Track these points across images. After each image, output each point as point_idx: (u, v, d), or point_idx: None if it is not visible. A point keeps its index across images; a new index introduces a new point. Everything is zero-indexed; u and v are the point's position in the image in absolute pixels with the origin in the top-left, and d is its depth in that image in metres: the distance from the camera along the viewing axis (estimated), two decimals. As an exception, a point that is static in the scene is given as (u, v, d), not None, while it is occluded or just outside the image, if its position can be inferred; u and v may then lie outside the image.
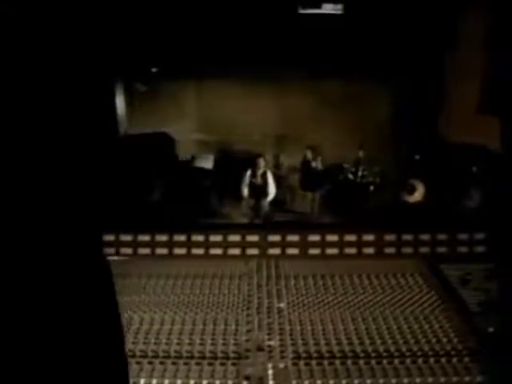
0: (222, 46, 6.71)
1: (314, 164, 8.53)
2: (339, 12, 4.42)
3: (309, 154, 8.53)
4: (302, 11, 4.56)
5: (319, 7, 4.40)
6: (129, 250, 3.24)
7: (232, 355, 2.36)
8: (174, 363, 2.32)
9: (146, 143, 3.62)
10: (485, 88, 3.94)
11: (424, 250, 3.26)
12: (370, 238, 3.22)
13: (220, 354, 2.36)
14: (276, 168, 9.20)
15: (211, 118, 9.22)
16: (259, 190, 8.09)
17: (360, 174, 8.40)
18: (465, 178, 3.44)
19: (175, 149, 3.31)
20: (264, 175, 8.03)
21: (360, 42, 5.04)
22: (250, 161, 8.18)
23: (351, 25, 4.63)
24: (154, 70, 7.22)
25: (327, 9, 4.35)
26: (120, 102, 7.11)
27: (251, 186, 8.07)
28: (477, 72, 3.97)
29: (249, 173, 8.00)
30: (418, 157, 3.42)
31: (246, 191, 8.20)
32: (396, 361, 2.33)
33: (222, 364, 2.30)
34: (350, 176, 8.65)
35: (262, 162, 7.93)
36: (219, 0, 5.93)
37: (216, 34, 6.39)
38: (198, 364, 2.31)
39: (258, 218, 7.65)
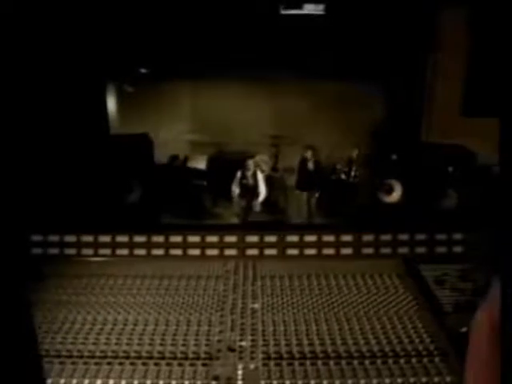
0: (211, 47, 6.71)
1: (310, 164, 8.55)
2: (320, 12, 4.42)
3: (309, 154, 8.51)
4: (283, 12, 4.56)
5: (301, 8, 4.41)
6: (107, 251, 3.24)
7: (203, 356, 2.35)
8: (144, 364, 2.32)
9: (125, 144, 3.63)
10: (469, 90, 3.94)
11: (402, 250, 3.26)
12: (348, 238, 3.22)
13: (191, 355, 2.36)
14: (273, 170, 9.21)
15: (204, 119, 9.24)
16: (250, 191, 8.10)
17: (353, 174, 8.41)
18: (443, 178, 3.45)
19: (154, 150, 3.31)
20: (254, 176, 8.05)
21: (342, 43, 5.05)
22: (242, 162, 8.21)
23: (333, 26, 4.64)
24: (142, 71, 7.22)
25: (309, 9, 4.35)
26: (111, 103, 7.11)
27: (242, 186, 8.09)
28: (458, 73, 3.98)
29: (239, 174, 8.02)
30: (395, 156, 3.43)
31: (236, 192, 8.22)
32: (367, 361, 2.33)
33: (192, 365, 2.30)
34: (343, 176, 8.66)
35: (251, 163, 7.95)
36: (208, 2, 5.94)
37: (205, 36, 6.39)
38: (168, 365, 2.31)
39: (247, 219, 7.66)
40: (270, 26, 5.15)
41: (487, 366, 1.04)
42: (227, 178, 8.09)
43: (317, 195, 8.62)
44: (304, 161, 8.40)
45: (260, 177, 8.10)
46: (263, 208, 8.06)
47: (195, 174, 8.75)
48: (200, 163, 8.88)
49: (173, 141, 8.41)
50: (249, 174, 7.96)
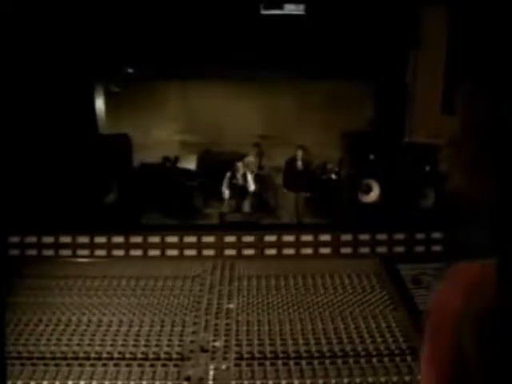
0: (199, 47, 6.70)
1: (299, 163, 8.54)
2: (301, 13, 4.43)
3: (298, 154, 8.50)
4: (263, 12, 4.57)
5: (281, 8, 4.42)
6: (85, 252, 3.23)
7: (175, 356, 2.35)
8: (116, 365, 2.31)
9: (104, 144, 3.62)
10: (448, 88, 3.96)
11: (381, 249, 3.26)
12: (326, 238, 3.22)
13: (163, 356, 2.35)
14: (259, 169, 9.20)
15: (192, 120, 9.23)
16: (239, 192, 8.11)
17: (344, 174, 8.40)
18: (421, 177, 3.46)
19: (132, 150, 3.31)
20: (244, 176, 8.06)
21: (325, 43, 5.06)
22: (230, 162, 8.21)
23: (314, 26, 4.65)
24: (129, 71, 7.21)
25: (289, 9, 4.36)
26: (100, 104, 7.08)
27: (231, 187, 8.09)
28: (440, 72, 3.99)
29: (228, 175, 8.03)
30: (372, 156, 3.45)
31: (226, 193, 8.22)
32: (339, 361, 2.33)
33: (164, 365, 2.30)
34: (334, 176, 8.65)
35: (240, 165, 7.96)
36: (195, 3, 5.93)
37: (192, 36, 6.38)
38: (140, 366, 2.30)
39: (237, 219, 7.64)
40: (255, 26, 5.15)
41: (429, 364, 1.04)
42: (215, 179, 8.09)
43: (307, 195, 8.61)
44: (292, 160, 8.40)
45: (250, 177, 8.11)
46: (252, 208, 8.06)
47: (184, 174, 8.74)
48: (189, 164, 8.88)
49: (159, 141, 8.41)
50: (238, 174, 7.97)
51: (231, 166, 8.09)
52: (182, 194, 8.36)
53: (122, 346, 2.42)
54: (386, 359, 2.34)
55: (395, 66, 5.07)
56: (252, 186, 8.05)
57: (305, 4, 4.37)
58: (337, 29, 4.77)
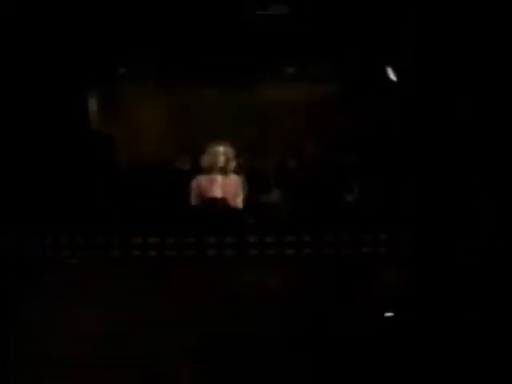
0: (191, 50, 6.70)
1: (290, 165, 8.51)
2: (285, 12, 4.43)
3: (287, 154, 8.48)
4: (247, 12, 4.56)
5: (266, 9, 4.41)
6: (67, 253, 3.21)
7: (144, 358, 2.33)
8: (90, 367, 2.29)
9: (88, 144, 3.61)
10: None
11: (365, 250, 3.23)
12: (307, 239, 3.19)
13: (130, 357, 2.34)
14: (252, 169, 9.17)
15: (186, 121, 9.21)
16: (233, 192, 8.07)
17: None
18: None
19: (115, 151, 3.29)
20: (236, 177, 8.02)
21: (307, 44, 5.05)
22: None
23: (299, 27, 4.64)
24: (121, 70, 7.20)
25: (273, 9, 4.36)
26: (92, 104, 7.06)
27: (224, 188, 8.05)
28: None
29: (220, 175, 7.99)
30: (354, 156, 3.43)
31: (219, 193, 8.17)
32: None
33: (132, 366, 2.28)
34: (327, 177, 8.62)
35: (232, 165, 7.92)
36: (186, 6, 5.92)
37: (185, 39, 6.37)
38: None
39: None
40: (240, 29, 5.13)
41: None
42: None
43: (296, 195, 8.57)
44: (282, 161, 8.36)
45: (242, 177, 8.07)
46: (245, 208, 8.02)
47: (178, 175, 8.72)
48: (183, 165, 8.85)
49: (152, 143, 8.38)
50: (231, 175, 7.93)
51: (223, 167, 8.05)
52: (176, 195, 8.33)
53: (93, 347, 2.41)
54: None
55: (382, 66, 5.05)
56: (245, 187, 8.01)
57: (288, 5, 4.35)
58: (322, 29, 4.75)
